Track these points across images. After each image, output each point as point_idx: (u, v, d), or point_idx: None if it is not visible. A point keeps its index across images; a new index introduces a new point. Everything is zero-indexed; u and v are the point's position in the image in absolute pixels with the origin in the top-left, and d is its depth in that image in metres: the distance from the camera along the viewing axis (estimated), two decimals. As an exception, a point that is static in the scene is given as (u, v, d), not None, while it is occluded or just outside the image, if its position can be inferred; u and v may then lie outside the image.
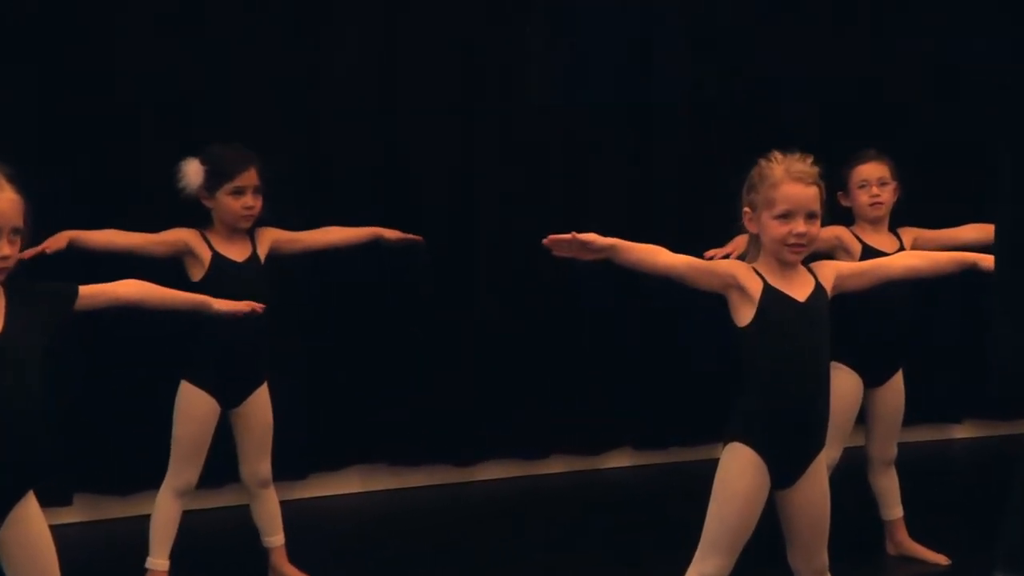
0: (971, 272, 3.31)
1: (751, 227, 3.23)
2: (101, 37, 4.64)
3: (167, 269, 4.10)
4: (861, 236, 4.25)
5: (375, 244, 4.38)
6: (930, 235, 4.34)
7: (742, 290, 3.15)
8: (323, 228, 4.28)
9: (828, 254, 4.10)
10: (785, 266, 3.18)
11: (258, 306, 3.60)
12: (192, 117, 4.74)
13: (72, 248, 3.84)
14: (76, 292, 3.08)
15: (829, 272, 3.25)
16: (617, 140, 5.54)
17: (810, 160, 3.21)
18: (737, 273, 3.17)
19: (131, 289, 3.26)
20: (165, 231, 3.96)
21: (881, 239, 4.26)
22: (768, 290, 3.15)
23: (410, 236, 4.45)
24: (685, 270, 3.16)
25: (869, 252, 4.17)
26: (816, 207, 3.16)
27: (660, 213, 5.49)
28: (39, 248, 3.70)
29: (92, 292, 3.14)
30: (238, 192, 3.92)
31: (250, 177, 3.93)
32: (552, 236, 3.06)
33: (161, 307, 3.40)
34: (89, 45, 4.62)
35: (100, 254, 3.87)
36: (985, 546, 4.54)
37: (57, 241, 3.81)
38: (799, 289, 3.18)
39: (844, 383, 4.18)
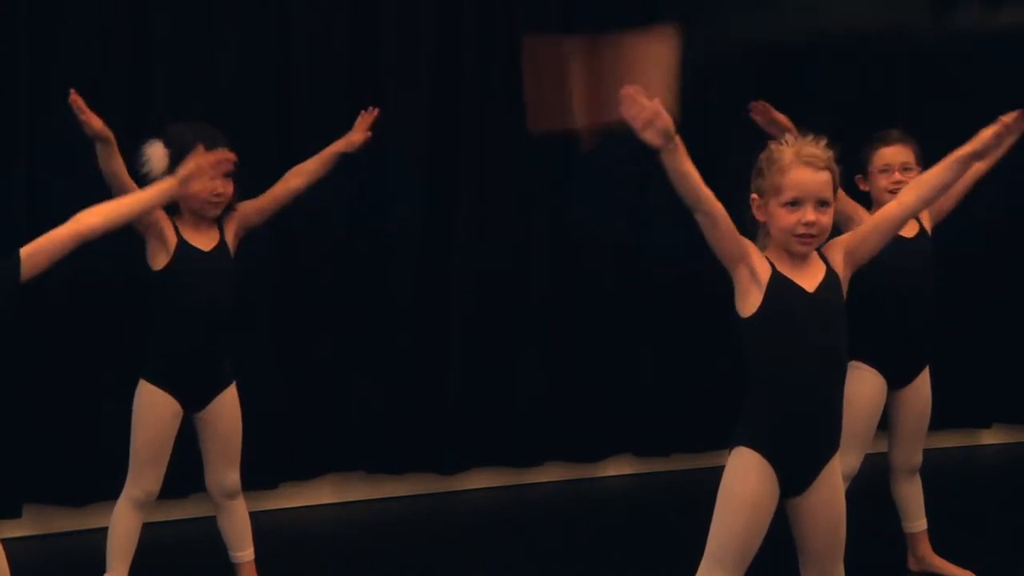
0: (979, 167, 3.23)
1: (759, 215, 3.24)
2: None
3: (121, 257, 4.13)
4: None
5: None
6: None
7: (752, 271, 3.16)
8: (284, 176, 4.26)
9: (841, 227, 4.12)
10: (795, 255, 3.20)
11: (230, 156, 3.67)
12: (154, 94, 4.76)
13: (99, 142, 3.82)
14: (18, 260, 3.03)
15: (838, 251, 3.24)
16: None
17: (823, 143, 3.21)
18: (752, 253, 3.17)
19: (85, 221, 3.24)
20: None
21: (902, 225, 4.26)
22: (776, 277, 3.16)
23: (367, 120, 4.47)
24: (721, 214, 3.10)
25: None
26: (828, 194, 3.16)
27: (662, 198, 5.50)
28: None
29: (34, 250, 3.11)
30: None
31: None
32: (636, 89, 2.97)
33: (122, 222, 3.41)
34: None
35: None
36: (1016, 561, 4.60)
37: (97, 122, 3.81)
38: (809, 278, 3.18)
39: (865, 384, 4.21)
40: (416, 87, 5.22)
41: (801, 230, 3.14)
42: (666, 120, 2.96)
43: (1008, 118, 3.27)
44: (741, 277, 3.18)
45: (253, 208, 4.14)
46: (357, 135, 4.46)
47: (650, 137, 2.97)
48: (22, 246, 3.13)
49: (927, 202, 3.33)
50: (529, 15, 5.40)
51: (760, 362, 3.19)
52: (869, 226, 3.32)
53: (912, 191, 3.31)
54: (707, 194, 3.08)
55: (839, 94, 5.81)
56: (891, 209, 3.31)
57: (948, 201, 4.32)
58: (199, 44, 4.84)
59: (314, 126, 5.03)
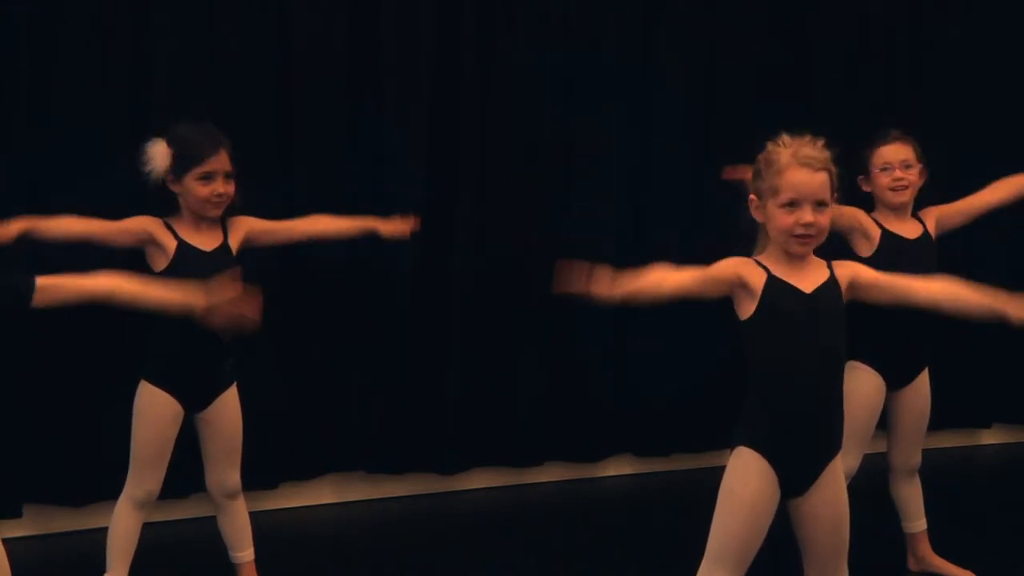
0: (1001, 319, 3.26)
1: (757, 216, 3.26)
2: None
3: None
4: (882, 222, 4.25)
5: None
6: (954, 208, 4.36)
7: (746, 286, 3.18)
8: (310, 217, 4.33)
9: (843, 238, 4.13)
10: (793, 257, 3.20)
11: (258, 293, 3.64)
12: (154, 93, 4.75)
13: (26, 238, 3.84)
14: (32, 287, 3.04)
15: (847, 271, 3.26)
16: (613, 121, 5.55)
17: (821, 144, 3.22)
18: (741, 272, 3.20)
19: (107, 283, 3.23)
20: (127, 219, 3.96)
21: (904, 225, 4.26)
22: (771, 281, 3.17)
23: (407, 224, 4.50)
24: (693, 286, 3.18)
25: (889, 238, 4.20)
26: (825, 195, 3.17)
27: (659, 200, 5.50)
28: None
29: (54, 284, 3.11)
30: (207, 177, 3.90)
31: (221, 161, 3.91)
32: (567, 262, 3.07)
33: (140, 305, 3.38)
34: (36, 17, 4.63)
35: (57, 243, 3.87)
36: (1016, 561, 4.60)
37: (6, 231, 3.82)
38: (807, 280, 3.19)
39: (864, 384, 4.21)
40: (416, 87, 5.22)
41: (799, 231, 3.16)
42: (605, 276, 3.06)
43: None
44: (737, 294, 3.21)
45: (264, 228, 4.16)
46: (401, 228, 4.49)
47: (599, 294, 3.05)
48: (30, 257, 3.14)
49: (945, 309, 3.33)
50: (529, 15, 5.39)
51: (759, 362, 3.20)
52: (890, 283, 3.32)
53: (945, 293, 3.32)
54: (674, 286, 3.17)
55: (841, 95, 5.82)
56: (919, 291, 3.32)
57: (958, 217, 4.35)
58: (199, 44, 4.84)
59: (314, 126, 5.04)
